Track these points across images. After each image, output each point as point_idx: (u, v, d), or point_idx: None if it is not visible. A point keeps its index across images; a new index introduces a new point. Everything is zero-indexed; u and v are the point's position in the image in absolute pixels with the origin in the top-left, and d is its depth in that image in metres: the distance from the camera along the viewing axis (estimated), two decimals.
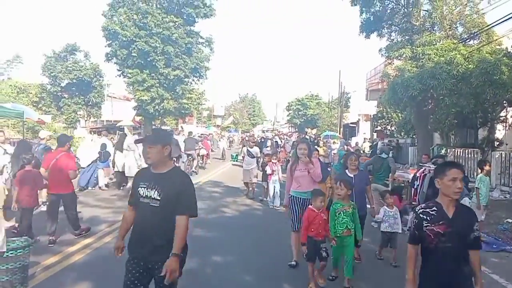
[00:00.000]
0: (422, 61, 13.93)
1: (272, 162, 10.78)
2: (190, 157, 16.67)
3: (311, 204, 5.37)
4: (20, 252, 4.80)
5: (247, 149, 12.05)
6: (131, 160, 11.17)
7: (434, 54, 13.71)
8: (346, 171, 6.25)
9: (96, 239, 7.04)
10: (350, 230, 5.25)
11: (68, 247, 6.45)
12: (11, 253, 4.73)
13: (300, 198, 5.86)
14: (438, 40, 14.34)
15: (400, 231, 6.36)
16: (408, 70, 13.96)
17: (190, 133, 19.12)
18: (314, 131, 43.88)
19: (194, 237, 7.45)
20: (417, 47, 14.18)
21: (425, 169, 8.61)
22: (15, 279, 4.76)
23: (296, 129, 52.89)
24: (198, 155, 18.24)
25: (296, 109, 56.52)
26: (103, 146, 12.76)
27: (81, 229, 7.13)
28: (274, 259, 6.27)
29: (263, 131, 49.77)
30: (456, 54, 13.44)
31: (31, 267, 5.18)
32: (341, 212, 5.27)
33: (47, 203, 7.14)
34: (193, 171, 16.66)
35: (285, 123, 73.59)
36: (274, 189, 10.49)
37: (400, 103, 14.73)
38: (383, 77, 16.08)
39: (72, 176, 6.99)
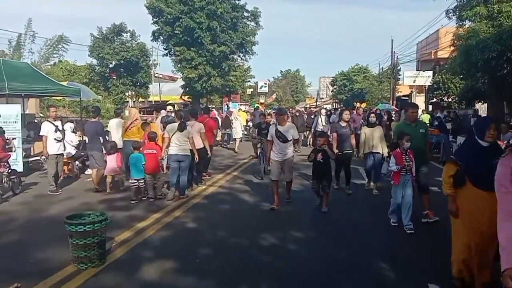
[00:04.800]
0: (499, 20, 12.54)
1: (400, 152, 5.91)
2: None
3: None
4: (97, 226, 4.49)
5: (276, 130, 7.34)
6: (238, 126, 17.11)
7: None
8: (479, 141, 3.76)
9: (165, 213, 6.80)
10: None
11: (139, 222, 6.20)
12: (89, 227, 4.43)
13: None
14: None
15: None
16: (484, 31, 12.61)
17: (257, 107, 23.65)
18: (364, 105, 42.27)
19: (266, 212, 6.97)
20: (493, 5, 12.75)
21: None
22: (93, 255, 4.47)
23: (342, 105, 51.11)
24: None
25: (342, 84, 54.62)
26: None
27: (207, 173, 10.19)
28: (357, 234, 5.73)
29: (305, 108, 48.55)
30: None
31: (106, 242, 4.88)
32: None
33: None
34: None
35: (329, 99, 71.78)
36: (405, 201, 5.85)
37: (472, 68, 13.38)
38: (456, 39, 14.60)
39: (215, 133, 11.48)
